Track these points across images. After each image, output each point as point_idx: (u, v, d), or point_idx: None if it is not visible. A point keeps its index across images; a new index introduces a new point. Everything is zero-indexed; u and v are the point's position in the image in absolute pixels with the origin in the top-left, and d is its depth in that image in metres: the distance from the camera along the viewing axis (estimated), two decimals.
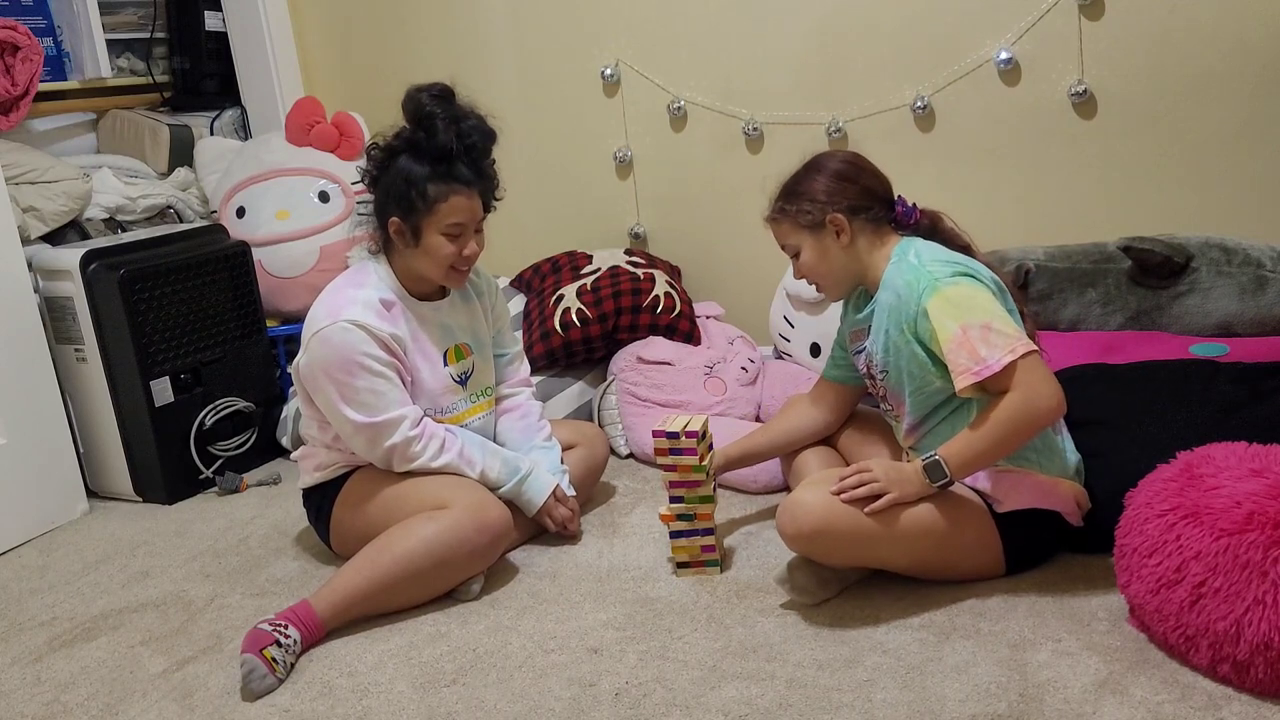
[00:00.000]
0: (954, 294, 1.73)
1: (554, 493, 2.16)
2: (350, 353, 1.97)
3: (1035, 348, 1.71)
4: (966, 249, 1.91)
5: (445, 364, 2.14)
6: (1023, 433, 1.72)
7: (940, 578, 1.85)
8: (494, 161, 2.10)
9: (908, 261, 1.82)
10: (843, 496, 1.75)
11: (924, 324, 1.76)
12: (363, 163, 2.10)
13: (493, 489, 2.08)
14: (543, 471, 2.16)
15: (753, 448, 2.15)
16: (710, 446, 2.05)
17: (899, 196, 1.94)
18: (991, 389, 1.73)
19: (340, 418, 2.01)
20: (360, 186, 2.11)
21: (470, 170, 2.02)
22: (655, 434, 1.96)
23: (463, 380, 2.17)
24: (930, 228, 1.93)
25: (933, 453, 1.76)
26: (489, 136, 2.06)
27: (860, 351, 1.98)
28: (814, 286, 1.97)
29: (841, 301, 2.06)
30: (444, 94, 2.03)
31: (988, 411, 1.73)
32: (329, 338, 1.98)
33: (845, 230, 1.88)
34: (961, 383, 1.72)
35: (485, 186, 2.06)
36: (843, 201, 1.88)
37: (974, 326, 1.71)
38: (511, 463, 2.13)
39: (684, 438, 1.95)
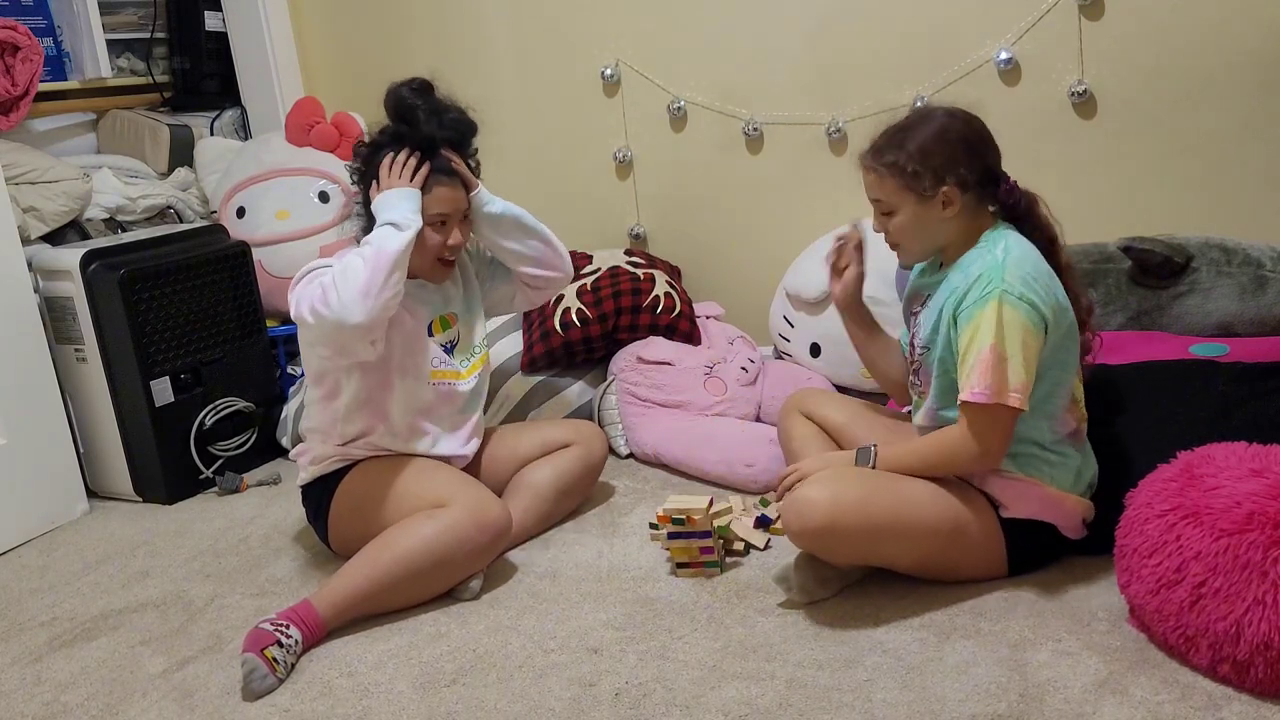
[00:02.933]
0: (1008, 315, 1.68)
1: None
2: (314, 273, 1.99)
3: (1021, 407, 1.69)
4: (1052, 242, 1.84)
5: (431, 334, 2.15)
6: (944, 469, 1.79)
7: (943, 578, 1.85)
8: (476, 150, 2.13)
9: (994, 254, 1.75)
10: (781, 489, 1.89)
11: (965, 317, 1.73)
12: (351, 161, 2.14)
13: (397, 249, 1.96)
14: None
15: (875, 332, 2.08)
16: (703, 534, 1.98)
17: (1004, 173, 1.83)
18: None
19: (303, 323, 1.98)
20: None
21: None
22: (660, 517, 2.02)
23: (449, 348, 2.19)
24: (1026, 210, 1.84)
25: (874, 445, 1.86)
26: (471, 128, 2.10)
27: (915, 313, 1.93)
28: (890, 244, 1.87)
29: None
30: (424, 87, 2.07)
31: (939, 436, 1.79)
32: (301, 274, 2.01)
33: (955, 204, 1.77)
34: (963, 394, 1.71)
35: (464, 176, 2.09)
36: (963, 173, 1.75)
37: (999, 354, 1.68)
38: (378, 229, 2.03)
39: (657, 519, 2.02)
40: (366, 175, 2.09)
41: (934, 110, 1.82)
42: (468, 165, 2.12)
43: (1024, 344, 1.68)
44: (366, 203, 2.10)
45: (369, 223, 2.10)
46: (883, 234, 1.86)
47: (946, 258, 1.85)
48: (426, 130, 2.03)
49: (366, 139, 2.10)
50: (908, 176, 1.76)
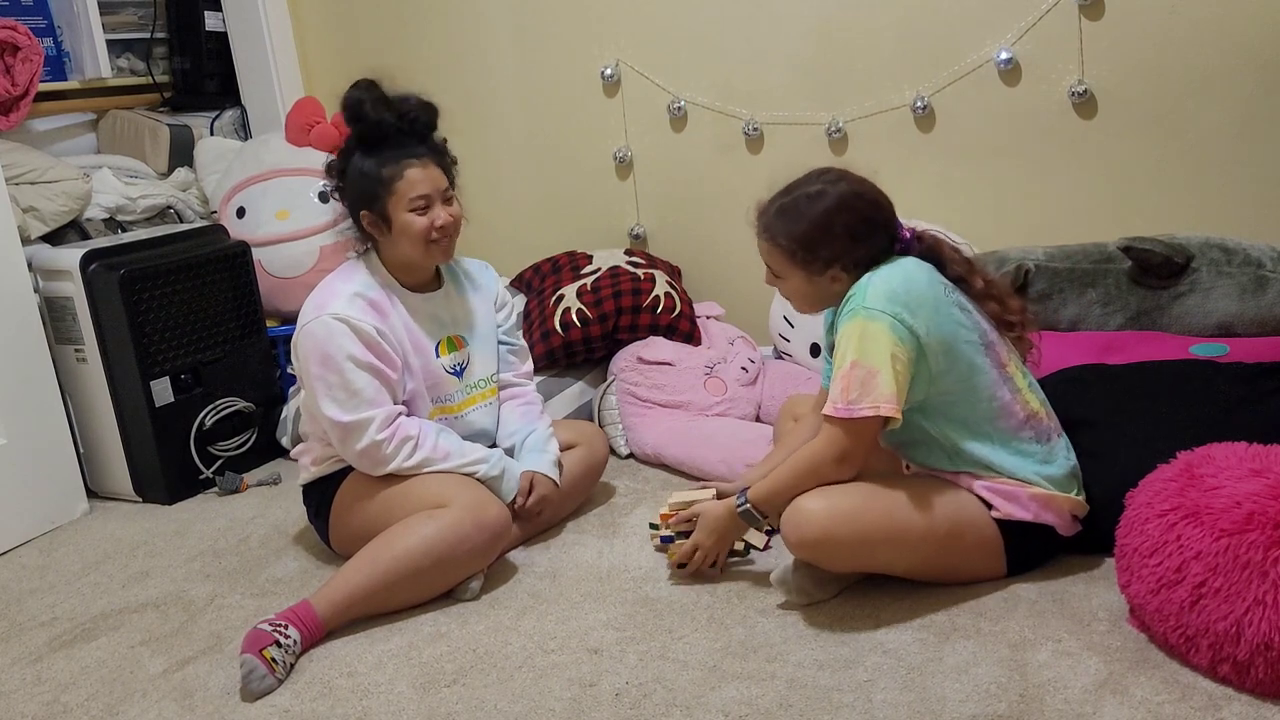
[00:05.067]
0: (870, 328, 1.72)
1: (534, 482, 2.15)
2: (329, 347, 1.99)
3: (891, 416, 1.72)
4: (959, 279, 1.85)
5: (438, 355, 2.15)
6: (814, 480, 1.79)
7: (942, 580, 1.85)
8: (446, 141, 2.13)
9: (865, 277, 1.79)
10: (687, 574, 1.97)
11: (836, 337, 1.78)
12: (326, 181, 2.15)
13: (444, 466, 2.07)
14: (514, 472, 2.14)
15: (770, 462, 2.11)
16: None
17: (900, 230, 1.84)
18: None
19: (319, 412, 2.02)
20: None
21: (421, 145, 2.07)
22: (663, 515, 2.04)
23: (457, 371, 2.18)
24: (927, 253, 1.86)
25: (744, 499, 1.85)
26: (429, 109, 2.10)
27: None
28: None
29: (807, 316, 2.04)
30: (367, 84, 2.07)
31: (801, 450, 1.81)
32: (313, 332, 2.01)
33: (841, 281, 1.82)
34: (826, 408, 1.76)
35: (439, 159, 2.09)
36: (850, 258, 1.80)
37: (862, 367, 1.72)
38: (487, 460, 2.11)
39: (661, 518, 2.04)
40: (345, 190, 2.10)
41: (825, 192, 1.80)
42: (443, 158, 2.11)
43: (893, 356, 1.71)
44: (350, 212, 2.11)
45: (355, 231, 2.12)
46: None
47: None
48: (374, 116, 2.03)
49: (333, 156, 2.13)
50: (802, 260, 1.81)
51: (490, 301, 2.28)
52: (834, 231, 1.79)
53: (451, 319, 2.19)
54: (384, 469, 2.03)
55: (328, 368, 1.99)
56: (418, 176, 2.04)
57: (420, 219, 2.04)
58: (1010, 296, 1.90)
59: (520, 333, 2.40)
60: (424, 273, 2.15)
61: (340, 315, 2.00)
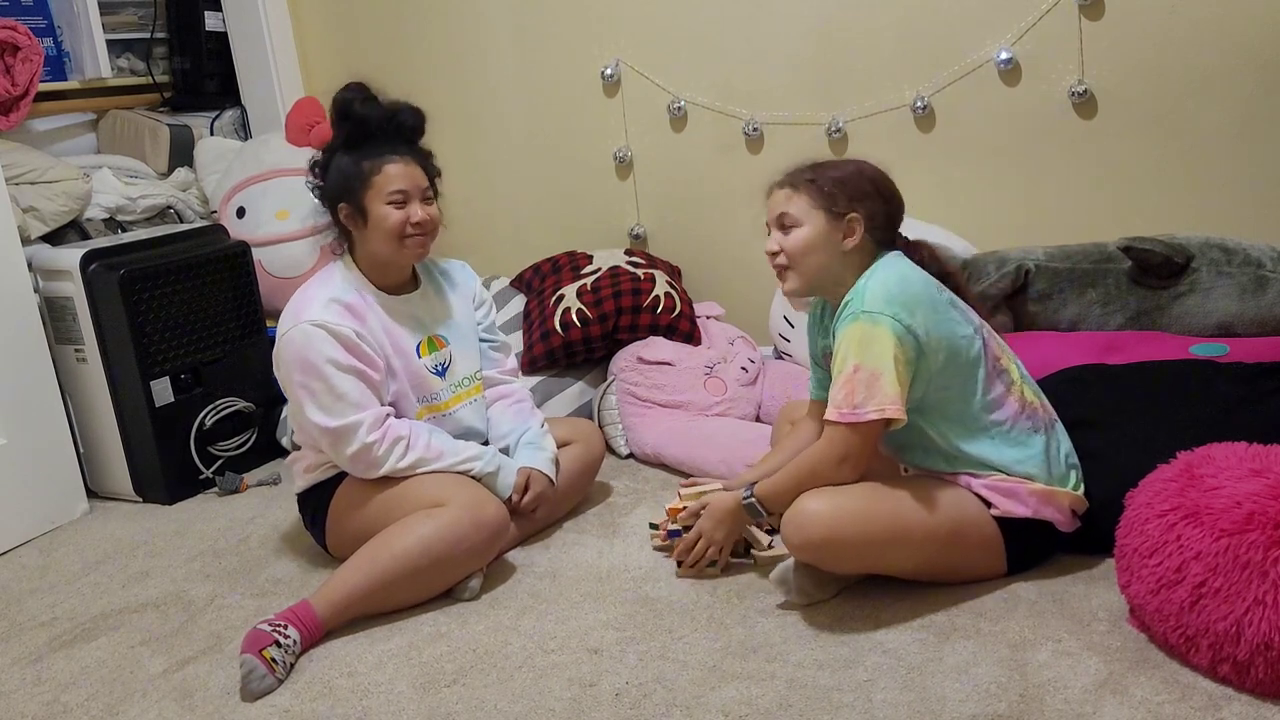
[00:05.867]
0: (870, 332, 1.73)
1: (530, 479, 2.15)
2: (310, 354, 1.99)
3: (896, 418, 1.73)
4: (945, 275, 1.89)
5: (419, 356, 2.15)
6: (817, 482, 1.79)
7: (943, 580, 1.85)
8: (432, 154, 2.15)
9: (860, 281, 1.81)
10: (688, 565, 1.97)
11: (835, 341, 1.79)
12: (309, 178, 2.17)
13: (439, 466, 2.08)
14: (510, 468, 2.14)
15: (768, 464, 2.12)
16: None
17: (901, 234, 1.91)
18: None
19: (306, 420, 2.02)
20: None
21: (404, 145, 2.09)
22: (671, 510, 2.09)
23: (440, 371, 2.18)
24: (919, 260, 1.90)
25: (750, 492, 1.87)
26: (417, 113, 2.12)
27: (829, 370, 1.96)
28: (777, 270, 1.88)
29: (806, 316, 2.03)
30: (357, 85, 2.10)
31: (805, 453, 1.83)
32: (291, 340, 2.01)
33: (855, 236, 1.83)
34: (829, 414, 1.77)
35: (422, 161, 2.11)
36: (867, 211, 1.83)
37: (865, 370, 1.72)
38: (481, 457, 2.12)
39: (669, 511, 2.08)
40: (326, 190, 2.11)
41: (850, 159, 1.91)
42: (426, 161, 2.12)
43: (895, 358, 1.72)
44: (329, 208, 2.12)
45: (335, 229, 2.13)
46: (773, 255, 1.87)
47: (834, 299, 1.87)
48: (359, 112, 2.05)
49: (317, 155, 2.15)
50: (823, 195, 1.83)
51: (469, 300, 2.29)
52: (863, 177, 1.85)
53: (431, 319, 2.19)
54: (377, 471, 2.03)
55: (310, 375, 1.99)
56: (397, 171, 2.05)
57: (397, 212, 2.04)
58: (988, 318, 1.93)
59: (499, 329, 2.40)
60: (400, 273, 2.15)
61: (317, 321, 2.00)
